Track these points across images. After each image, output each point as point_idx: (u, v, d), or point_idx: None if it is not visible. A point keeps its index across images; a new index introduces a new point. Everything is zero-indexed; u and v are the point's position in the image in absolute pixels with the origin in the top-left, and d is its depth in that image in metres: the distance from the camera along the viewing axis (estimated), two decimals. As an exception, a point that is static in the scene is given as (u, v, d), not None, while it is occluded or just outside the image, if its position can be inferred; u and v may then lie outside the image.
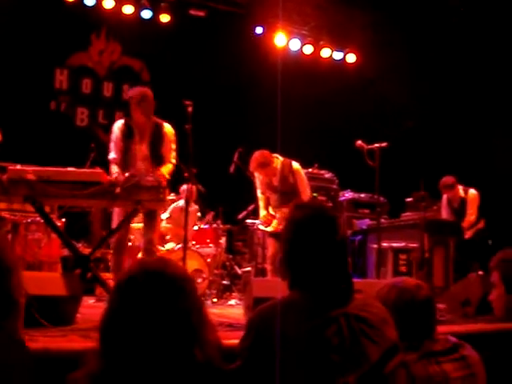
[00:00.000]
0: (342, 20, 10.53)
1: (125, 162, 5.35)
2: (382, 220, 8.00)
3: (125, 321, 1.70)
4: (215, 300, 6.99)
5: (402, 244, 7.59)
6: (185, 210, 5.74)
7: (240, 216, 8.24)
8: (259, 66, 10.34)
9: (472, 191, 8.27)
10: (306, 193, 6.53)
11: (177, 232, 7.70)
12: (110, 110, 10.72)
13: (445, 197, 8.36)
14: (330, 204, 8.87)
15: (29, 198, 4.48)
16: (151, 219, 5.41)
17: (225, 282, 7.68)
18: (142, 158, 5.38)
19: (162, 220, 7.87)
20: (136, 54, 10.90)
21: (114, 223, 5.44)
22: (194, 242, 7.44)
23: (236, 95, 10.67)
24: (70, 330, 3.82)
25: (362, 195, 9.39)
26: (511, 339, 2.72)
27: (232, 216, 8.50)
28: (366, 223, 8.73)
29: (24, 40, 9.31)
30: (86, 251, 5.21)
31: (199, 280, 6.87)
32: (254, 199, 6.81)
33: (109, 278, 5.65)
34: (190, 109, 5.65)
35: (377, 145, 6.27)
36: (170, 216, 7.80)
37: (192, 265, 6.81)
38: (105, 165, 5.45)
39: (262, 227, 6.64)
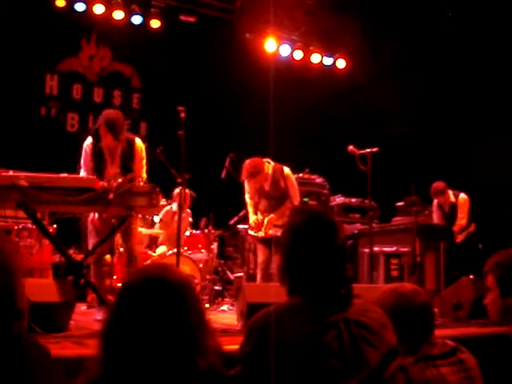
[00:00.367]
0: (332, 26, 10.58)
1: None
2: (373, 224, 8.02)
3: (126, 327, 1.70)
4: (207, 305, 6.97)
5: (394, 248, 7.61)
6: (178, 215, 5.73)
7: (231, 221, 8.23)
8: (250, 72, 10.38)
9: (462, 195, 8.33)
10: (296, 198, 6.56)
11: (168, 236, 7.69)
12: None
13: (435, 202, 8.42)
14: (321, 208, 8.90)
15: (21, 205, 4.45)
16: (128, 226, 5.39)
17: (217, 288, 7.66)
18: (114, 177, 5.31)
19: (155, 223, 7.88)
20: (126, 59, 10.89)
21: (91, 232, 5.42)
22: (185, 248, 7.43)
23: (227, 100, 10.69)
24: (63, 336, 3.81)
25: (353, 200, 9.42)
26: (505, 343, 2.73)
27: (223, 221, 8.50)
28: (356, 228, 8.75)
29: (14, 45, 9.27)
30: (78, 257, 5.18)
31: (191, 285, 6.85)
32: (245, 205, 6.82)
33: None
34: (182, 115, 5.65)
35: (368, 150, 6.30)
36: (161, 220, 7.79)
37: (184, 270, 6.78)
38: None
39: (251, 232, 6.63)
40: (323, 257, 2.04)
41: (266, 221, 6.43)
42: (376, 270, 7.65)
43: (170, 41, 10.54)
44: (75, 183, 4.57)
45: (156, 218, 7.82)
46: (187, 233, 7.69)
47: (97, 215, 5.32)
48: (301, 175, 9.02)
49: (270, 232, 6.39)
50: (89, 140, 5.46)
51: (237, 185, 7.00)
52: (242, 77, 10.52)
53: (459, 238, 8.02)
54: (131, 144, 5.52)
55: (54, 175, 4.66)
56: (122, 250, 7.23)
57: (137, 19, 10.09)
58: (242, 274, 7.82)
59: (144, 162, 5.57)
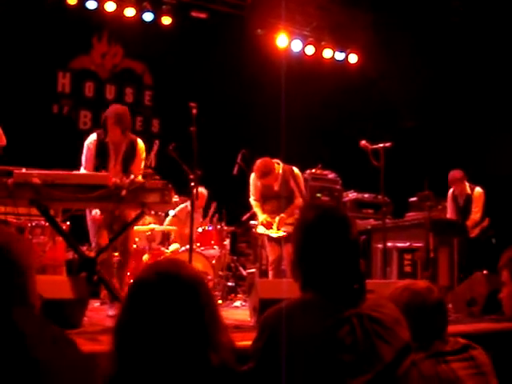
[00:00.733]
0: (344, 20, 10.53)
1: None
2: (386, 220, 7.99)
3: (139, 323, 1.69)
4: (220, 302, 6.98)
5: (407, 244, 7.57)
6: (190, 211, 5.74)
7: (244, 217, 8.23)
8: (261, 68, 10.36)
9: (478, 189, 8.24)
10: (304, 198, 6.61)
11: (181, 233, 7.71)
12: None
13: (451, 192, 8.32)
14: (334, 204, 8.88)
15: (34, 202, 4.47)
16: (124, 222, 5.44)
17: (230, 284, 7.67)
18: (115, 175, 5.34)
19: (167, 216, 7.89)
20: (138, 56, 10.90)
21: (91, 232, 5.46)
22: (198, 244, 7.43)
23: (239, 97, 10.67)
24: (76, 333, 3.81)
25: (366, 195, 9.40)
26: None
27: (236, 217, 8.50)
28: (369, 223, 8.72)
29: (26, 43, 9.31)
30: (92, 254, 5.19)
31: (204, 282, 6.86)
32: (251, 207, 6.87)
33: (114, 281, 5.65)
34: (194, 111, 5.65)
35: (381, 145, 6.26)
36: (176, 215, 7.80)
37: (196, 267, 6.79)
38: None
39: (261, 231, 6.65)
40: (336, 252, 2.03)
41: (277, 220, 6.46)
42: (389, 266, 7.62)
43: (182, 37, 10.53)
44: (88, 180, 4.58)
45: (171, 212, 7.82)
46: (200, 229, 7.70)
47: (98, 212, 5.36)
48: (313, 171, 9.02)
49: (283, 229, 6.42)
50: (92, 137, 5.50)
51: (249, 181, 7.00)
52: (254, 73, 10.50)
53: (473, 233, 7.95)
54: (134, 144, 5.58)
55: (67, 172, 4.68)
56: (135, 246, 7.31)
57: (148, 16, 10.10)
58: (254, 269, 7.82)
59: (143, 164, 5.64)
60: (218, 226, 7.79)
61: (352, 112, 10.77)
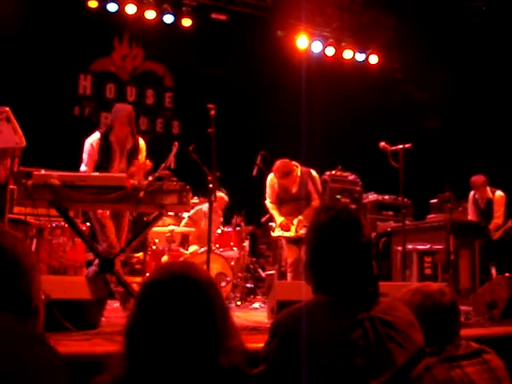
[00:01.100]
0: (365, 21, 10.50)
1: None
2: (407, 222, 7.93)
3: (149, 325, 1.69)
4: (239, 303, 6.97)
5: (427, 246, 7.51)
6: (207, 212, 5.74)
7: (263, 219, 8.22)
8: (281, 69, 10.35)
9: (499, 192, 8.17)
10: (322, 200, 6.60)
11: (198, 234, 7.71)
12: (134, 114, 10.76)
13: (471, 194, 8.26)
14: (354, 206, 8.84)
15: (53, 203, 4.51)
16: (119, 218, 5.58)
17: (249, 285, 7.66)
18: (120, 171, 5.45)
19: (183, 218, 7.91)
20: (158, 58, 10.97)
21: (97, 230, 5.52)
22: (217, 245, 7.44)
23: (259, 98, 10.68)
24: (94, 333, 3.84)
25: (386, 197, 9.34)
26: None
27: (255, 219, 8.49)
28: (389, 225, 8.67)
29: (48, 46, 9.41)
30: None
31: (223, 283, 6.87)
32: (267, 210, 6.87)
33: (133, 281, 5.68)
34: (212, 112, 5.64)
35: (400, 146, 6.20)
36: (191, 217, 7.82)
37: (216, 268, 6.81)
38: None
39: (279, 233, 6.62)
40: (348, 254, 2.02)
41: (295, 222, 6.45)
42: (409, 268, 7.57)
43: (202, 39, 10.57)
44: (106, 182, 4.60)
45: (185, 214, 7.84)
46: (219, 231, 7.70)
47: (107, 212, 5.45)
48: (333, 172, 8.99)
49: (302, 232, 6.40)
50: (96, 135, 5.59)
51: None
52: (274, 74, 10.50)
53: (496, 235, 7.87)
54: (137, 142, 5.70)
55: (86, 174, 4.72)
56: (154, 247, 7.35)
57: (168, 18, 10.17)
58: (273, 271, 7.80)
59: (142, 161, 5.71)
60: (237, 228, 7.79)
61: (372, 113, 10.71)
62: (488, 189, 8.17)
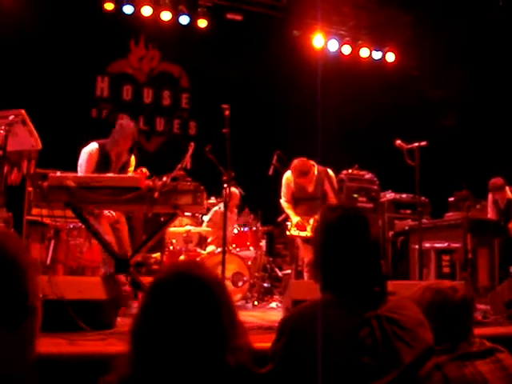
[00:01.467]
0: (381, 19, 10.44)
1: None
2: (424, 220, 7.87)
3: (156, 324, 1.70)
4: (256, 303, 6.99)
5: (445, 244, 7.45)
6: (223, 212, 5.75)
7: (280, 218, 8.21)
8: (298, 68, 10.33)
9: None
10: (339, 200, 6.59)
11: (217, 235, 7.73)
12: (151, 116, 10.85)
13: (490, 197, 8.18)
14: (371, 205, 8.80)
15: (69, 205, 4.55)
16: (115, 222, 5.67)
17: (266, 285, 7.67)
18: None
19: (203, 222, 7.94)
20: (175, 59, 11.00)
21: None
22: (234, 245, 7.45)
23: (275, 98, 10.68)
24: (109, 333, 3.87)
25: (404, 196, 9.29)
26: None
27: (272, 218, 8.49)
28: (407, 224, 8.62)
29: (66, 49, 9.48)
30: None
31: (240, 283, 6.88)
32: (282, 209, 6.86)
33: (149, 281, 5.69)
34: (227, 112, 5.66)
35: (416, 144, 6.16)
36: (211, 219, 7.84)
37: (232, 268, 6.83)
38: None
39: (295, 233, 6.60)
40: (355, 253, 2.02)
41: (311, 221, 6.43)
42: (427, 267, 7.52)
43: (218, 39, 10.59)
44: (121, 183, 4.64)
45: (205, 218, 7.89)
46: (235, 231, 7.71)
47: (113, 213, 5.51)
48: (350, 171, 8.96)
49: None
50: (94, 145, 5.75)
51: (283, 182, 6.98)
52: (290, 73, 10.48)
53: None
54: (130, 158, 5.87)
55: (101, 175, 4.76)
56: (171, 248, 7.38)
57: (184, 19, 10.21)
58: (290, 271, 7.80)
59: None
60: (254, 228, 7.80)
61: (389, 111, 10.65)
62: (507, 190, 8.08)
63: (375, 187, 8.94)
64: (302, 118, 9.54)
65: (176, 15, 10.14)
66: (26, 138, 4.69)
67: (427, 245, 7.50)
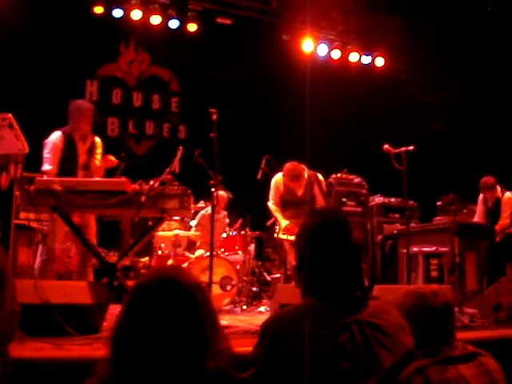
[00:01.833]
0: (370, 24, 10.49)
1: (64, 172, 5.56)
2: (413, 224, 7.91)
3: (136, 328, 1.70)
4: (245, 307, 6.97)
5: (433, 248, 7.48)
6: (211, 215, 5.75)
7: (269, 223, 8.21)
8: (287, 73, 10.35)
9: (508, 194, 8.10)
10: (328, 204, 6.61)
11: (206, 239, 7.72)
12: (140, 119, 10.84)
13: (481, 195, 8.21)
14: (360, 209, 8.83)
15: (55, 209, 4.54)
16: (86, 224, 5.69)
17: (254, 289, 7.65)
18: (83, 167, 5.58)
19: (191, 227, 7.94)
20: (164, 63, 11.01)
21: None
22: (222, 250, 7.44)
23: (264, 102, 10.70)
24: (96, 338, 3.85)
25: (392, 200, 9.32)
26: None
27: (261, 223, 8.49)
28: (396, 228, 8.65)
29: (54, 52, 9.45)
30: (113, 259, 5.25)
31: (228, 287, 6.87)
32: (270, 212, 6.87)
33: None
34: (214, 117, 5.66)
35: (403, 148, 6.18)
36: (199, 223, 7.83)
37: (221, 272, 6.81)
38: (134, 175, 5.51)
39: (283, 236, 6.61)
40: (335, 257, 2.01)
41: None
42: (415, 271, 7.54)
43: (207, 44, 10.60)
44: (107, 186, 4.64)
45: (192, 222, 7.89)
46: (224, 235, 7.71)
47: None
48: (339, 175, 8.98)
49: None
50: (57, 134, 5.78)
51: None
52: (280, 78, 10.50)
53: (499, 237, 7.81)
54: (94, 138, 5.99)
55: (87, 179, 4.75)
56: (159, 252, 7.36)
57: (174, 23, 10.22)
58: (279, 275, 7.80)
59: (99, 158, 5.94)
60: (242, 232, 7.80)
61: (378, 115, 10.70)
62: (498, 189, 8.12)
63: (364, 191, 8.98)
64: (291, 122, 9.55)
65: (166, 19, 10.16)
66: (13, 141, 4.68)
67: (415, 249, 7.53)
